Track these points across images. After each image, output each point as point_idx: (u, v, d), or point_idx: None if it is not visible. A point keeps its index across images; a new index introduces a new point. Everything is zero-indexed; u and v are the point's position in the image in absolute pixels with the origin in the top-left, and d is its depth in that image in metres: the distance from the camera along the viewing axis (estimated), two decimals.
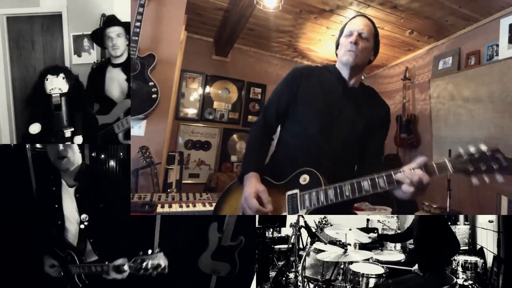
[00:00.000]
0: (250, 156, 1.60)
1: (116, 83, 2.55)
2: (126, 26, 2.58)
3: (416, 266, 2.16)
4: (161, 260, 1.51)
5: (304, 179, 1.38)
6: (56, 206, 1.74)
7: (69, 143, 1.73)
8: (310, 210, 1.33)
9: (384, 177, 1.20)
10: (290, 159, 1.51)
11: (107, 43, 2.49)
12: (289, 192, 1.40)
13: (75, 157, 1.74)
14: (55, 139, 2.27)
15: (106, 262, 1.57)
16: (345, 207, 1.56)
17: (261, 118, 1.68)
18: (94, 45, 2.89)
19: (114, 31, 2.46)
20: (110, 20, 2.52)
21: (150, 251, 1.53)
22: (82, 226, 1.73)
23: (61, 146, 1.71)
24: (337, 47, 1.60)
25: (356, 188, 1.23)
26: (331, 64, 1.62)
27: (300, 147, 1.50)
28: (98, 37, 2.57)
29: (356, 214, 2.22)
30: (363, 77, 1.66)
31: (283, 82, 1.62)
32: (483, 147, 1.07)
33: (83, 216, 1.72)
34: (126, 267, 1.53)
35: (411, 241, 2.99)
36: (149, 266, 1.48)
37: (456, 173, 1.11)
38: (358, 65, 1.50)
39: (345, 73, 1.54)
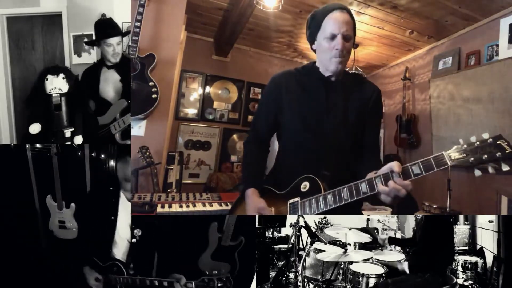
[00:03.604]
0: (247, 172, 1.61)
1: (111, 84, 2.55)
2: (124, 34, 2.61)
3: (404, 265, 2.17)
4: (228, 282, 1.58)
5: (305, 186, 1.37)
6: (112, 218, 1.76)
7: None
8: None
9: (381, 178, 1.16)
10: (289, 168, 1.50)
11: (106, 49, 2.49)
12: (291, 201, 1.40)
13: None
14: (55, 139, 2.27)
15: (170, 278, 1.63)
16: (355, 208, 1.53)
17: (252, 135, 1.67)
18: None
19: (116, 40, 2.47)
20: (111, 27, 2.51)
21: (215, 272, 1.61)
22: (134, 240, 1.74)
23: (130, 171, 1.73)
24: (312, 42, 1.48)
25: (354, 191, 1.22)
26: (309, 63, 1.54)
27: (296, 155, 1.49)
28: (96, 43, 2.59)
29: (362, 214, 2.21)
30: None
31: (265, 94, 1.60)
32: (485, 135, 1.01)
33: (136, 230, 1.75)
34: (191, 285, 1.59)
35: None
36: (217, 285, 1.56)
37: (456, 165, 1.04)
38: (345, 66, 1.43)
39: (327, 73, 1.45)
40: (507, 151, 0.97)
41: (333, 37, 1.36)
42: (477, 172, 1.01)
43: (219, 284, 1.56)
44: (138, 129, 2.67)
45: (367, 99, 1.46)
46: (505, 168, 0.98)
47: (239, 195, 1.61)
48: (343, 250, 2.45)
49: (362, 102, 1.45)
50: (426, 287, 1.99)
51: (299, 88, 1.49)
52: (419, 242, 2.30)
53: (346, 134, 1.44)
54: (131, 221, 1.76)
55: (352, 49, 1.51)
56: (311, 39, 1.48)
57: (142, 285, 1.64)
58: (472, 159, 1.01)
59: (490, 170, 1.00)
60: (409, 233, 3.33)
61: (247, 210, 1.45)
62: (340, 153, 1.44)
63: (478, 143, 1.02)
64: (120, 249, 1.77)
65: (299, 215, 2.44)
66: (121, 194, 1.79)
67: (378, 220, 3.42)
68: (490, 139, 1.00)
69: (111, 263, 1.71)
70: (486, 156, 0.99)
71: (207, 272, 1.59)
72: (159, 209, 2.13)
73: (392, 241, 2.71)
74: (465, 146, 1.03)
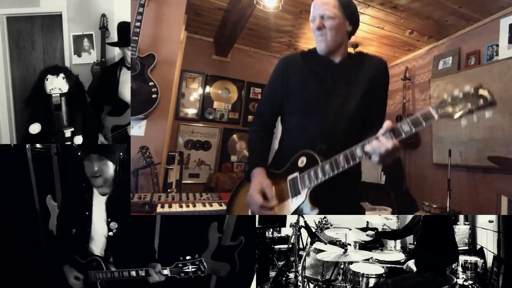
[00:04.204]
0: (253, 154, 1.62)
1: (129, 85, 2.56)
2: None
3: (410, 262, 2.16)
4: (201, 265, 1.60)
5: (302, 161, 1.40)
6: (87, 213, 1.75)
7: (104, 160, 1.72)
8: (311, 188, 1.35)
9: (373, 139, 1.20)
10: (291, 151, 1.50)
11: (126, 51, 2.54)
12: (290, 177, 1.42)
13: (109, 173, 1.74)
14: (55, 139, 2.27)
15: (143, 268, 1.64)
16: (352, 203, 1.56)
17: (257, 118, 1.68)
18: (94, 45, 2.89)
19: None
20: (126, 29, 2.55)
21: (188, 257, 1.61)
22: (110, 234, 1.74)
23: (95, 166, 1.69)
24: None
25: (349, 157, 1.25)
26: (315, 47, 1.55)
27: (299, 138, 1.50)
28: (118, 44, 2.63)
29: (364, 213, 2.20)
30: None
31: (272, 77, 1.61)
32: (467, 88, 1.07)
33: (112, 224, 1.74)
34: (166, 272, 1.61)
35: (411, 240, 2.99)
36: (190, 269, 1.59)
37: (442, 118, 1.10)
38: (333, 46, 1.44)
39: (327, 54, 1.48)
40: (488, 98, 1.03)
41: (313, 19, 1.43)
42: (463, 122, 1.07)
43: (193, 269, 1.58)
44: (138, 129, 2.67)
45: (372, 76, 1.46)
46: (488, 115, 1.04)
47: (240, 181, 1.64)
48: (343, 250, 2.45)
49: (368, 80, 1.46)
50: (426, 287, 1.99)
51: (305, 70, 1.51)
52: (418, 242, 2.30)
53: (351, 115, 1.44)
54: (106, 215, 1.75)
55: (352, 47, 1.52)
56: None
57: (121, 277, 1.66)
58: (457, 110, 1.07)
59: (475, 118, 1.05)
60: None
61: (250, 191, 1.45)
62: (346, 135, 1.43)
63: (461, 95, 1.07)
64: (98, 244, 1.76)
65: (299, 215, 2.44)
66: (94, 189, 1.78)
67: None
68: (472, 90, 1.06)
69: (90, 259, 1.72)
70: (469, 105, 1.05)
71: (181, 258, 1.60)
72: (159, 209, 2.13)
73: (379, 234, 2.73)
74: (450, 99, 1.09)
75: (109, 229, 1.73)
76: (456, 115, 1.07)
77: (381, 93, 1.52)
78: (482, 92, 1.04)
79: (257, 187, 1.43)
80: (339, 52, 1.48)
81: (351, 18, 1.46)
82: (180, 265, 1.59)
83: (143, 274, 1.63)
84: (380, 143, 1.16)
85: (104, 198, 1.77)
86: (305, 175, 1.37)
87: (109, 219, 1.74)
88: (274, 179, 1.46)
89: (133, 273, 1.64)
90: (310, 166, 1.36)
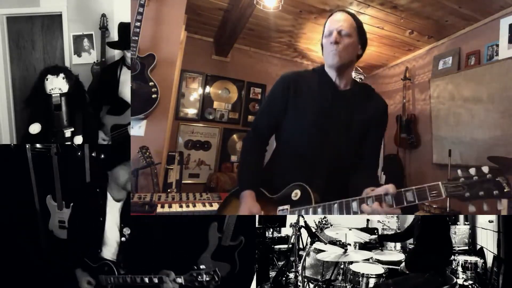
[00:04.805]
0: (245, 171, 1.57)
1: (130, 84, 2.57)
2: None
3: (403, 264, 2.18)
4: (215, 275, 1.58)
5: (296, 194, 1.35)
6: (101, 219, 1.76)
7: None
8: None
9: (373, 199, 1.14)
10: (284, 172, 1.48)
11: (125, 52, 2.55)
12: (280, 208, 1.38)
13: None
14: (55, 139, 2.27)
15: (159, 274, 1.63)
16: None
17: (253, 131, 1.65)
18: (94, 45, 2.89)
19: None
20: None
21: (202, 266, 1.60)
22: (123, 239, 1.75)
23: (128, 172, 1.74)
24: (322, 49, 1.52)
25: (344, 208, 1.20)
26: (320, 66, 1.54)
27: (292, 159, 1.48)
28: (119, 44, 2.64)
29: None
30: (362, 77, 1.62)
31: (273, 92, 1.57)
32: (485, 169, 0.96)
33: (126, 229, 1.76)
34: (180, 280, 1.60)
35: (411, 241, 3.00)
36: (205, 279, 1.57)
37: (450, 197, 1.00)
38: (344, 64, 1.42)
39: (333, 75, 1.45)
40: (505, 190, 0.93)
41: (330, 33, 1.42)
42: (471, 208, 0.97)
43: (207, 278, 1.57)
44: (138, 129, 2.67)
45: (373, 113, 1.46)
46: (500, 207, 0.94)
47: (233, 190, 1.59)
48: (343, 250, 2.45)
49: (368, 115, 1.45)
50: (426, 287, 1.99)
51: (306, 91, 1.48)
52: (417, 242, 2.30)
53: (346, 145, 1.43)
54: (119, 221, 1.76)
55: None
56: (321, 46, 1.52)
57: (133, 283, 1.65)
58: (468, 194, 0.97)
59: (485, 207, 0.96)
60: None
61: (240, 211, 1.43)
62: (338, 163, 1.43)
63: (476, 177, 0.97)
64: (110, 249, 1.78)
65: (299, 215, 2.44)
66: (108, 195, 1.80)
67: (378, 221, 3.42)
68: (490, 175, 0.96)
69: (102, 263, 1.72)
70: (482, 192, 0.95)
71: (195, 267, 1.59)
72: (159, 209, 2.13)
73: (382, 238, 2.75)
74: (463, 179, 0.99)
75: (122, 235, 1.75)
76: (465, 198, 0.97)
77: (377, 133, 1.51)
78: (500, 180, 0.94)
79: (245, 213, 1.40)
80: (346, 75, 1.46)
81: (363, 42, 1.46)
82: (194, 274, 1.58)
83: (156, 281, 1.62)
84: (381, 209, 1.10)
85: (119, 204, 1.79)
86: (295, 212, 1.33)
87: (122, 225, 1.75)
88: (264, 202, 1.43)
89: (146, 279, 1.63)
90: (302, 201, 1.31)
